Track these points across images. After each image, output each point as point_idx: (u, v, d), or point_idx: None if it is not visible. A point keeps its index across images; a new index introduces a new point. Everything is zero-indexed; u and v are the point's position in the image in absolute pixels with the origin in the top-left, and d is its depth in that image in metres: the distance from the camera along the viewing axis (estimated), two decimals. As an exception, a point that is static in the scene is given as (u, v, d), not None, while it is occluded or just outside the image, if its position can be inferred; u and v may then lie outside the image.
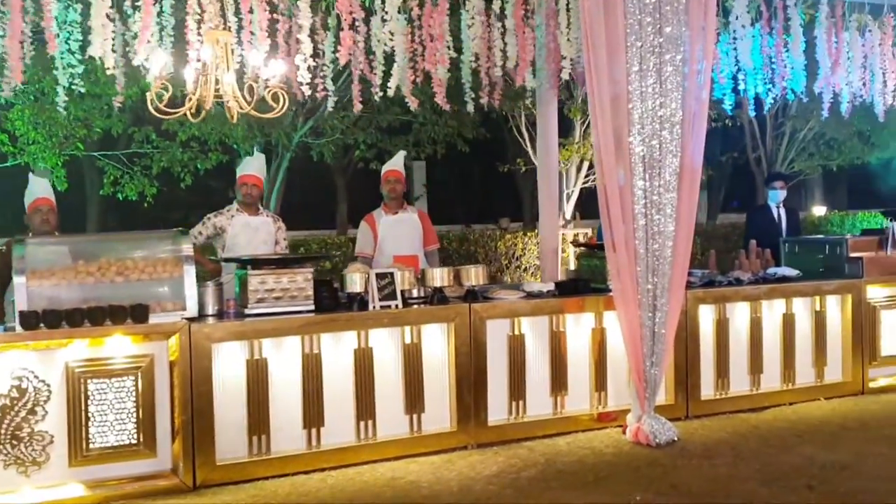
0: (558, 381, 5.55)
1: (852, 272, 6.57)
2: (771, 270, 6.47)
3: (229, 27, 4.54)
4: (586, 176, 12.61)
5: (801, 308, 6.35)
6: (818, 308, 6.40)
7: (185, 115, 4.57)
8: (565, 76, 5.45)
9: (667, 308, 5.31)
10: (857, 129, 13.33)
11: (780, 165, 14.88)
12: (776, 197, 7.63)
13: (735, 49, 6.08)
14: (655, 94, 5.25)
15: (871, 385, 6.54)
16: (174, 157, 9.79)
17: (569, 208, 12.88)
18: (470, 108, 5.84)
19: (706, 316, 5.99)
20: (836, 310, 6.49)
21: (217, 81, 4.28)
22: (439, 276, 5.29)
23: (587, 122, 12.22)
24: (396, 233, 5.99)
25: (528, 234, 13.42)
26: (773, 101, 6.87)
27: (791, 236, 7.47)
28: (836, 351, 6.47)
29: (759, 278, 6.33)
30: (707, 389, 5.99)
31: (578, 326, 5.62)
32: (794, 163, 14.56)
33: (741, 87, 6.72)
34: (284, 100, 4.47)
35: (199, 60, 4.27)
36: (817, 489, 4.31)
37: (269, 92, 4.39)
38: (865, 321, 6.57)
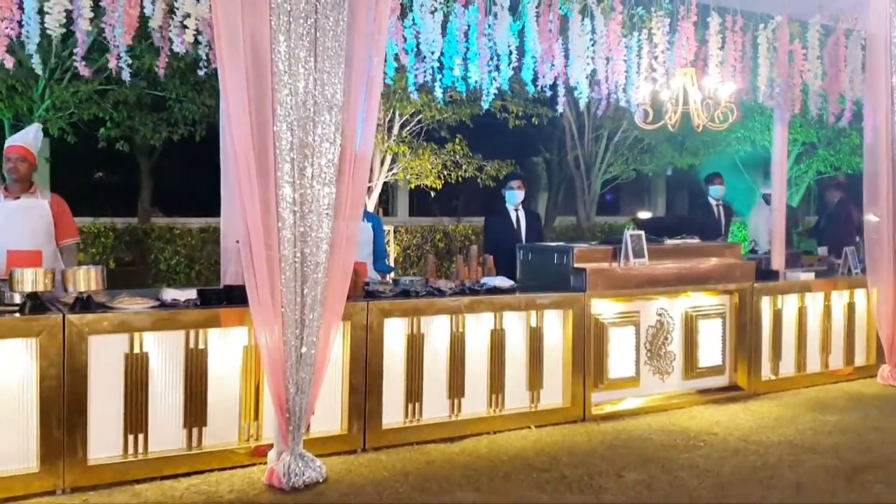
0: (195, 411, 4.60)
1: (576, 285, 5.92)
2: (484, 280, 5.73)
3: None
4: (390, 169, 11.80)
5: (515, 323, 5.65)
6: (534, 324, 5.71)
7: None
8: (189, 38, 4.48)
9: (318, 324, 4.45)
10: (668, 134, 13.04)
11: (599, 168, 14.51)
12: (513, 198, 6.94)
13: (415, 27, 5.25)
14: (310, 70, 4.37)
15: (595, 411, 5.92)
16: None
17: (371, 204, 12.02)
18: (125, 75, 4.78)
19: (395, 331, 5.18)
20: (557, 326, 5.83)
21: None
22: (31, 279, 4.25)
23: (392, 111, 11.43)
24: (15, 223, 4.89)
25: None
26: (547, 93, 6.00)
27: (531, 242, 6.80)
28: (554, 372, 5.81)
29: (464, 289, 5.58)
30: (394, 416, 5.18)
31: (228, 343, 4.69)
32: (611, 166, 14.21)
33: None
34: None
35: None
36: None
37: None
38: (592, 339, 5.94)
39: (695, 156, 13.40)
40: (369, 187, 11.88)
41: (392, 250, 11.85)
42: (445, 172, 12.22)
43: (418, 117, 11.61)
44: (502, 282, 5.71)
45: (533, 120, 12.11)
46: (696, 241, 6.74)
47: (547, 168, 18.36)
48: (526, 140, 15.15)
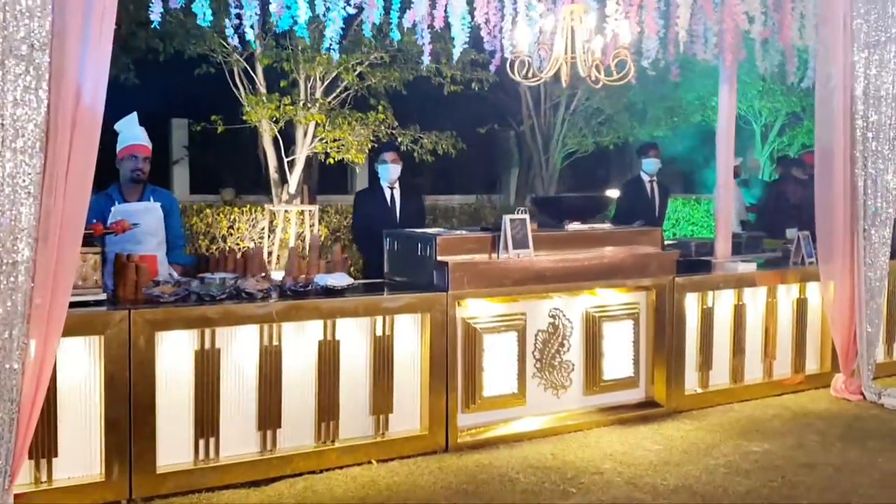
0: None
1: (440, 282, 4.72)
2: (317, 278, 4.52)
3: None
4: (312, 141, 10.51)
5: (354, 333, 4.46)
6: (381, 332, 4.52)
7: None
8: None
9: (20, 344, 3.25)
10: (627, 102, 11.73)
11: (558, 141, 13.22)
12: (387, 174, 5.73)
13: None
14: (-3, -8, 3.15)
15: (464, 438, 4.74)
16: None
17: (293, 180, 10.81)
18: None
19: (176, 348, 3.99)
20: (413, 335, 4.63)
21: None
22: None
23: (313, 78, 10.18)
24: None
25: (247, 208, 11.30)
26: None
27: (409, 226, 5.59)
28: (409, 392, 4.63)
29: (284, 290, 4.38)
30: (178, 457, 4.02)
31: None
32: (567, 138, 12.90)
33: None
34: None
35: None
36: None
37: None
38: (459, 349, 4.76)
39: (657, 126, 12.08)
40: (291, 161, 10.68)
41: (319, 231, 10.62)
42: (377, 146, 10.99)
43: (344, 83, 10.33)
44: (338, 280, 4.50)
45: (473, 86, 10.80)
46: (606, 226, 5.53)
47: (518, 142, 17.09)
48: (482, 109, 13.86)
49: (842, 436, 4.95)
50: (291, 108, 9.79)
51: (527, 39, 4.47)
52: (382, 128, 10.27)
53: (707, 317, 5.66)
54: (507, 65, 4.56)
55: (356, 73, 9.91)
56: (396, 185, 5.77)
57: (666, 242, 8.31)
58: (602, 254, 5.21)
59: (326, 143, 10.17)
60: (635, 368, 5.43)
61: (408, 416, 4.63)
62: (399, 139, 10.90)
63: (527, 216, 4.92)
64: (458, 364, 4.74)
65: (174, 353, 3.98)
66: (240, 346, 4.15)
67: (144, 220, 4.65)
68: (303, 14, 4.41)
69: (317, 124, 10.24)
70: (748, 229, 9.44)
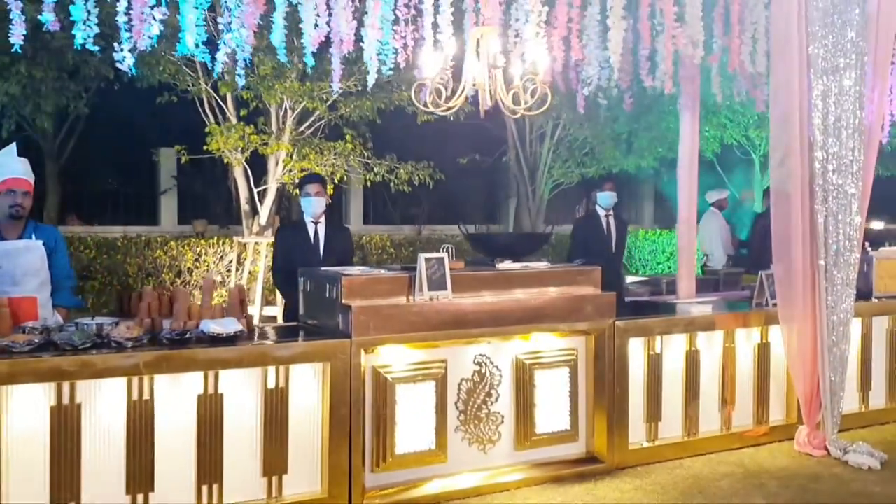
0: None
1: (343, 327, 4.31)
2: (203, 324, 4.12)
3: None
4: (285, 170, 10.17)
5: (243, 385, 4.06)
6: (273, 384, 4.11)
7: None
8: None
9: None
10: (612, 133, 11.33)
11: (543, 172, 12.84)
12: (311, 207, 5.34)
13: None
14: None
15: (371, 501, 4.30)
16: None
17: (264, 210, 10.45)
18: None
19: (28, 404, 3.61)
20: (313, 386, 4.22)
21: None
22: None
23: (284, 108, 9.88)
24: None
25: (215, 240, 10.99)
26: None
27: (333, 263, 5.19)
28: (308, 450, 4.20)
29: (159, 338, 3.99)
30: (30, 524, 3.61)
31: None
32: (553, 169, 12.52)
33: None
34: None
35: None
36: None
37: None
38: (372, 402, 4.35)
39: (642, 156, 11.63)
40: (262, 191, 10.37)
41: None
42: (354, 175, 10.69)
43: (317, 112, 10.02)
44: (225, 326, 4.09)
45: (449, 116, 10.44)
46: (541, 264, 5.11)
47: (518, 172, 16.80)
48: (468, 140, 13.54)
49: (792, 500, 4.45)
50: (256, 137, 9.49)
51: (434, 65, 4.08)
52: (353, 157, 9.95)
53: (654, 364, 5.19)
54: (413, 91, 4.19)
55: (327, 102, 9.60)
56: (321, 219, 5.38)
57: (637, 279, 7.94)
58: (530, 295, 4.78)
59: (294, 173, 9.86)
60: (573, 420, 4.96)
61: (305, 476, 4.20)
62: (374, 169, 10.61)
63: (445, 255, 4.51)
64: (364, 418, 4.32)
65: (25, 409, 3.60)
66: (104, 402, 3.76)
67: (24, 259, 4.30)
68: (190, 40, 4.06)
69: (288, 154, 9.94)
70: (738, 264, 8.97)
